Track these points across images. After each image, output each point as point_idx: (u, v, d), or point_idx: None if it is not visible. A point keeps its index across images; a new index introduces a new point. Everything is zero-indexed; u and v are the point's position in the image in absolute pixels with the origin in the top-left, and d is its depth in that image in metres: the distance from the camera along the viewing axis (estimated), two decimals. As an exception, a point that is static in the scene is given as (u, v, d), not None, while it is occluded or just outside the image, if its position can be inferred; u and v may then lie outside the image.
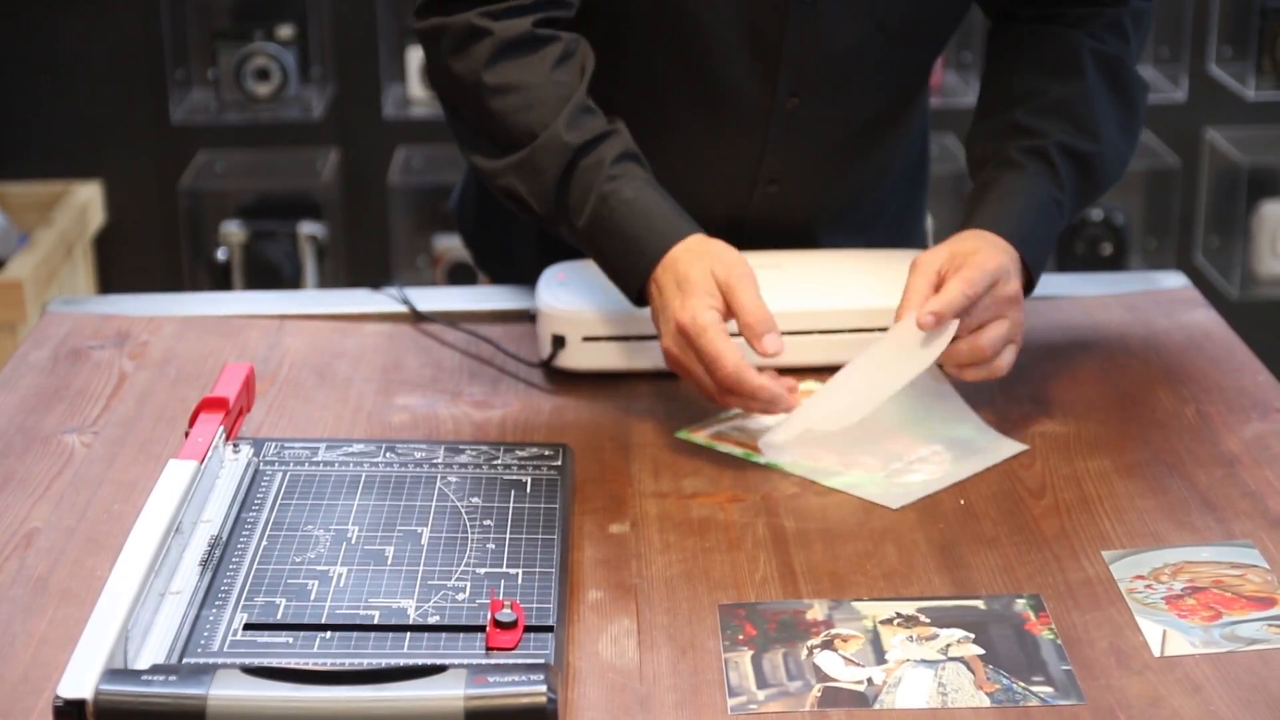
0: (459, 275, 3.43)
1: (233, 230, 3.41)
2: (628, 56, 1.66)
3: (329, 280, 3.46)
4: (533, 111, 1.60)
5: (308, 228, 3.42)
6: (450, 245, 3.46)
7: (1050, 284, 1.86)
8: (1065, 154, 1.65)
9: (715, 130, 1.74)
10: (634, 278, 1.58)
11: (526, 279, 1.81)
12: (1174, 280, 1.90)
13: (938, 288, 1.53)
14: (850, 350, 1.60)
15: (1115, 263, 3.45)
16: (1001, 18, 1.79)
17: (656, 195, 1.60)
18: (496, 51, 1.61)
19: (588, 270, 1.73)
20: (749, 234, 1.78)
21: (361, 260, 3.54)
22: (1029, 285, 1.61)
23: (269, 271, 3.40)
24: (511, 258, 1.94)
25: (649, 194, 1.59)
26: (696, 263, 1.55)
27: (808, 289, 1.70)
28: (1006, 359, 1.55)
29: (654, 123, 1.72)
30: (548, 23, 1.63)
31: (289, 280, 3.39)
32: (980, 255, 1.54)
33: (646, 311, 1.64)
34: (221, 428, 1.42)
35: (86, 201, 3.43)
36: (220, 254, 3.42)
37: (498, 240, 1.99)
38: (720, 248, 1.56)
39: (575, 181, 1.60)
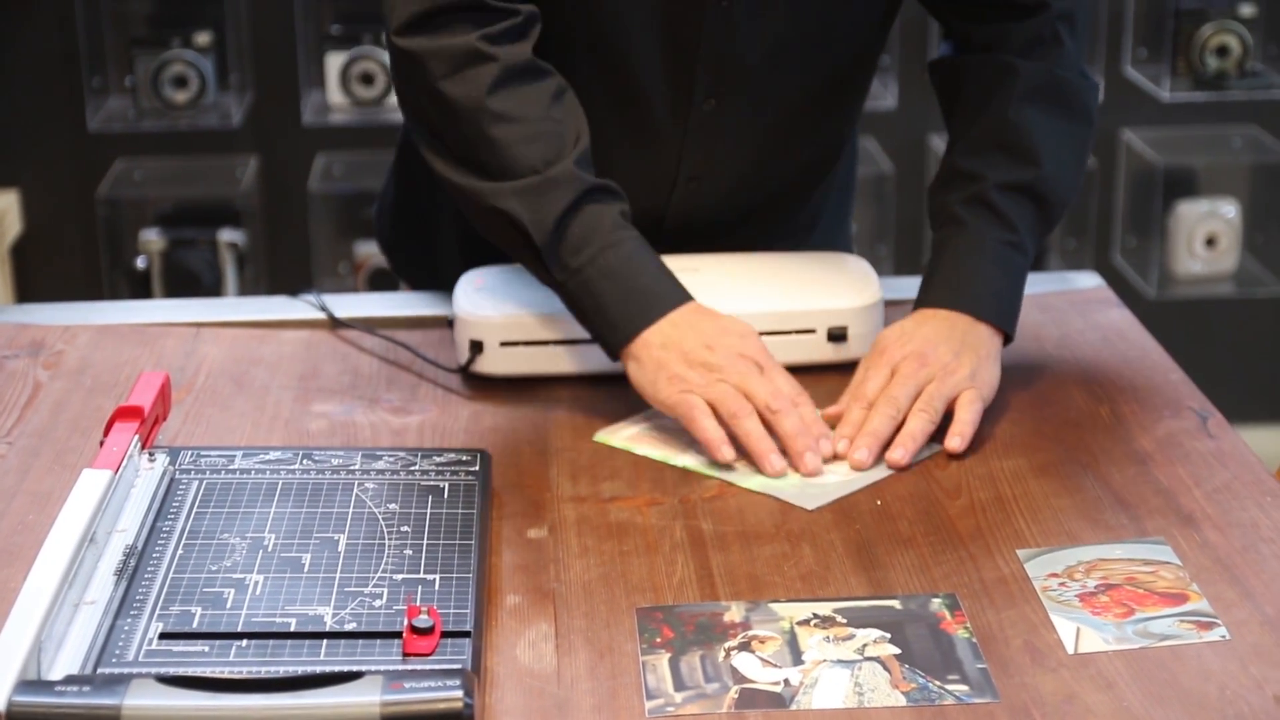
0: (380, 281, 3.42)
1: (152, 238, 3.39)
2: (548, 56, 1.66)
3: (250, 288, 3.44)
4: (537, 144, 1.60)
5: (228, 235, 3.40)
6: (371, 251, 3.45)
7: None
8: (1006, 191, 1.65)
9: (634, 130, 1.75)
10: (625, 331, 1.57)
11: (449, 287, 1.81)
12: (1088, 280, 1.92)
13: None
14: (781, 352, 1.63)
15: (1035, 263, 3.47)
16: (943, 38, 1.79)
17: (655, 262, 1.61)
18: (500, 78, 1.60)
19: (506, 275, 1.74)
20: (669, 230, 1.79)
21: (282, 267, 3.52)
22: (1007, 338, 1.63)
23: (189, 280, 3.38)
24: (435, 267, 1.94)
25: (650, 259, 1.61)
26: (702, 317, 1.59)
27: (725, 292, 1.70)
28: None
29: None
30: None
31: (209, 288, 3.37)
32: (906, 364, 1.58)
33: (564, 315, 1.64)
34: (137, 436, 1.41)
35: (3, 210, 3.40)
36: (140, 262, 3.39)
37: (420, 250, 1.99)
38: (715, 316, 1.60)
39: (579, 220, 1.59)
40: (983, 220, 1.65)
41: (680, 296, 1.59)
